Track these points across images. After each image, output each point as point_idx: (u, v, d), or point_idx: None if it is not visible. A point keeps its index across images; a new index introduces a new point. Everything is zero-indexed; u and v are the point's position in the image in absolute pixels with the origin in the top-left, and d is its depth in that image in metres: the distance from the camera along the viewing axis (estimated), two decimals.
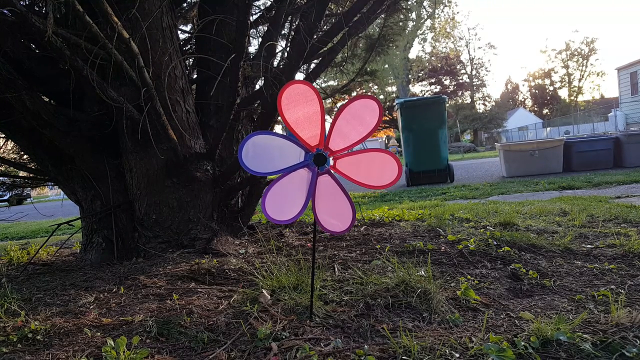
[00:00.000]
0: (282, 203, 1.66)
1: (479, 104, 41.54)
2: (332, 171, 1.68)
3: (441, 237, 2.83)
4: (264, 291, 1.92)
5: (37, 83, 2.85)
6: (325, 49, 3.38)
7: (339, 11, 3.87)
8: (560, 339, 1.37)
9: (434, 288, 1.79)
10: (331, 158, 1.67)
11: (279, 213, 1.65)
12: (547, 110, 50.13)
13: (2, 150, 3.91)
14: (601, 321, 1.51)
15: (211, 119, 3.24)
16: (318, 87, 5.49)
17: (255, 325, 1.62)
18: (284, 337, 1.53)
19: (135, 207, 2.91)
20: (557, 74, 50.21)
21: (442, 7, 21.20)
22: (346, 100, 1.69)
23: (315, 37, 3.07)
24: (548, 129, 32.13)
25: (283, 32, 3.77)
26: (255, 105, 3.53)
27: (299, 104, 1.61)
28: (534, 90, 53.05)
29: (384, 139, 27.24)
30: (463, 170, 11.29)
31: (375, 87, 25.75)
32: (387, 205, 4.88)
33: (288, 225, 3.55)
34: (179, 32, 3.75)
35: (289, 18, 3.77)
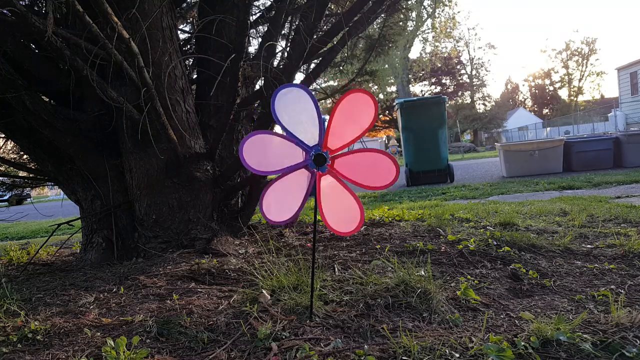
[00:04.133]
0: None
1: (479, 104, 41.55)
2: (334, 155, 1.67)
3: (441, 237, 2.83)
4: (264, 291, 1.92)
5: (37, 83, 2.84)
6: (325, 49, 3.38)
7: (339, 11, 3.87)
8: (560, 339, 1.37)
9: (434, 288, 1.79)
10: (329, 158, 1.67)
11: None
12: (547, 110, 50.14)
13: (2, 150, 3.91)
14: (601, 321, 1.51)
15: (211, 119, 3.24)
16: (318, 87, 5.49)
17: (255, 325, 1.62)
18: (284, 337, 1.53)
19: (135, 207, 2.91)
20: (557, 74, 50.28)
21: (442, 7, 21.17)
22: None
23: (315, 37, 3.07)
24: (548, 129, 32.13)
25: (283, 32, 3.77)
26: (255, 105, 3.53)
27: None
28: (534, 90, 53.08)
29: (384, 139, 27.24)
30: (463, 170, 11.29)
31: (375, 87, 25.71)
32: (387, 205, 4.88)
33: (288, 225, 3.55)
34: (179, 32, 3.75)
35: (289, 18, 3.77)
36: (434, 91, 40.32)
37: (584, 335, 1.40)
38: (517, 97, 56.37)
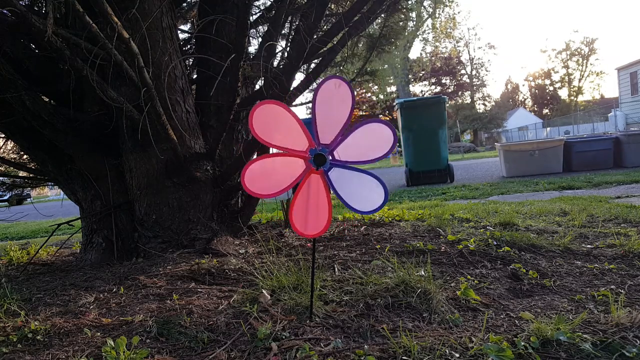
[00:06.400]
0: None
1: (479, 104, 41.57)
2: (336, 163, 1.67)
3: (441, 237, 2.83)
4: (264, 291, 1.92)
5: (37, 83, 2.84)
6: (325, 48, 3.38)
7: (339, 11, 3.87)
8: (560, 339, 1.37)
9: (433, 288, 1.79)
10: (329, 153, 1.66)
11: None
12: (547, 110, 50.12)
13: (2, 150, 3.91)
14: (601, 321, 1.51)
15: (211, 119, 3.24)
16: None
17: (255, 325, 1.62)
18: (284, 337, 1.53)
19: (135, 207, 2.91)
20: (557, 74, 50.23)
21: (442, 7, 21.17)
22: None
23: (315, 37, 3.07)
24: (548, 129, 32.12)
25: (283, 32, 3.77)
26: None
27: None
28: (534, 90, 53.05)
29: None
30: (463, 170, 11.29)
31: (376, 87, 25.72)
32: (387, 205, 4.88)
33: (288, 225, 3.55)
34: (179, 32, 3.75)
35: (289, 18, 3.77)
36: (434, 91, 40.33)
37: (584, 335, 1.40)
38: (517, 97, 56.36)
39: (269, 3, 3.81)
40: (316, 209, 1.66)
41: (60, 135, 2.78)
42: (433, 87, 40.81)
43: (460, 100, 40.45)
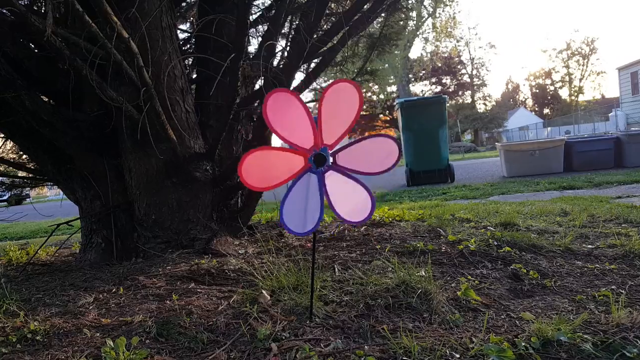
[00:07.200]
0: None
1: (480, 103, 41.44)
2: (335, 166, 1.66)
3: (442, 237, 2.82)
4: (263, 292, 1.91)
5: (37, 83, 2.84)
6: (325, 48, 3.38)
7: (339, 10, 3.86)
8: (561, 339, 1.37)
9: (434, 288, 1.79)
10: (330, 155, 1.65)
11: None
12: (547, 110, 50.08)
13: (1, 150, 3.91)
14: (602, 321, 1.51)
15: (211, 119, 3.24)
16: (318, 86, 5.50)
17: (255, 325, 1.62)
18: (283, 337, 1.52)
19: (135, 207, 2.91)
20: (557, 74, 50.15)
21: (442, 6, 21.17)
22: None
23: (315, 36, 3.07)
24: (549, 128, 32.11)
25: (283, 31, 3.77)
26: (255, 105, 3.53)
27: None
28: (534, 90, 53.02)
29: None
30: (463, 170, 11.28)
31: (376, 86, 25.72)
32: (387, 205, 4.87)
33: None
34: (179, 31, 3.75)
35: (289, 18, 3.76)
36: (434, 91, 40.23)
37: (585, 336, 1.39)
38: (517, 96, 56.35)
39: (269, 2, 3.80)
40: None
41: (59, 135, 2.78)
42: (433, 86, 40.69)
43: (460, 100, 40.35)
